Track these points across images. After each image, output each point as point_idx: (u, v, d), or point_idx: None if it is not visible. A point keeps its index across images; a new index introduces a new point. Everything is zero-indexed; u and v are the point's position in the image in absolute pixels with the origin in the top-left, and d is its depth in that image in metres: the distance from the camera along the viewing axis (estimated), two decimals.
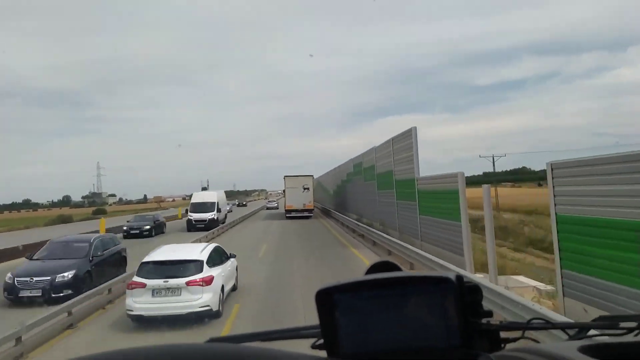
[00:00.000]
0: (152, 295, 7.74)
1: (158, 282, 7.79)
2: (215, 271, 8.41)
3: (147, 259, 8.43)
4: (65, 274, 10.16)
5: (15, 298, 9.87)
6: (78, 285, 10.06)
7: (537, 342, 0.89)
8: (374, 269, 1.10)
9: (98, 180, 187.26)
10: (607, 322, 0.88)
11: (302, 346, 0.89)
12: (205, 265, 8.26)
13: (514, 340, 0.93)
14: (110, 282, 9.81)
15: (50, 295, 9.73)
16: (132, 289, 7.88)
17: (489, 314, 0.89)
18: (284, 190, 36.59)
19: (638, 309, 5.19)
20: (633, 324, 0.83)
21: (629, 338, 0.82)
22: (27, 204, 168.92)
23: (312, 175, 36.94)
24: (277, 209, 49.86)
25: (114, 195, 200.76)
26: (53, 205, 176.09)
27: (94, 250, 11.35)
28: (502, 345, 0.90)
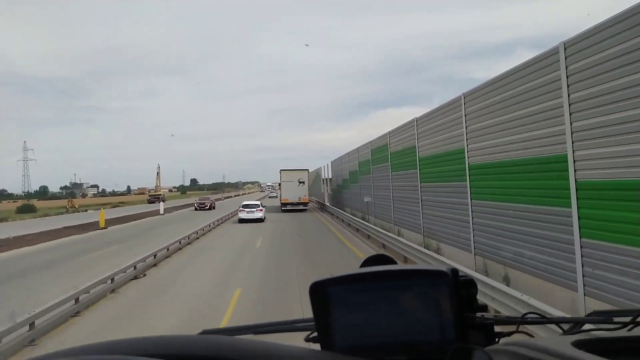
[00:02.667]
0: (246, 213, 27.60)
1: (248, 208, 27.93)
2: (262, 207, 28.50)
3: (243, 203, 29.19)
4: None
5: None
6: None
7: (532, 336, 0.90)
8: (368, 262, 1.10)
9: (25, 165, 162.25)
10: (601, 317, 0.88)
11: (296, 339, 0.89)
12: (260, 205, 28.83)
13: (509, 334, 0.94)
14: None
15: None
16: (240, 210, 28.14)
17: (484, 308, 0.90)
18: (279, 184, 37.86)
19: None
20: (627, 319, 0.84)
21: (623, 333, 0.82)
22: (1, 195, 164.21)
23: (307, 170, 37.82)
24: (277, 197, 57.33)
25: (96, 186, 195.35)
26: (29, 196, 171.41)
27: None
28: (497, 339, 0.91)
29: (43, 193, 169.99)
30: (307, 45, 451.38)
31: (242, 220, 26.96)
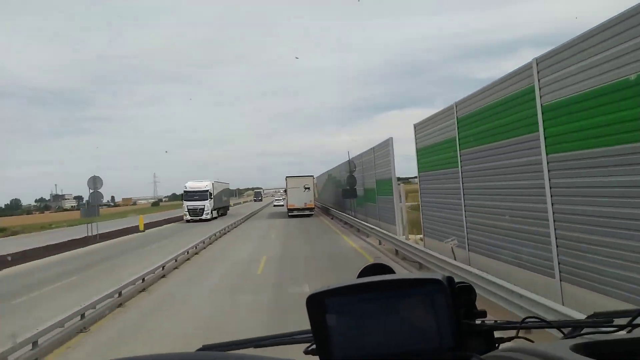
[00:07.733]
0: (276, 201, 62.45)
1: (277, 201, 61.93)
2: (284, 200, 45.01)
3: (274, 198, 69.41)
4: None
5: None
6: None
7: (532, 341, 0.90)
8: (365, 271, 1.10)
9: None
10: (601, 320, 0.89)
11: (296, 351, 0.90)
12: (282, 200, 50.46)
13: (509, 339, 0.96)
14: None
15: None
16: (274, 201, 65.71)
17: (483, 314, 0.92)
18: (285, 190, 39.43)
19: None
20: (626, 321, 0.85)
21: (622, 335, 0.82)
22: None
23: (312, 176, 39.24)
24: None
25: (80, 197, 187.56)
26: None
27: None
28: (497, 344, 0.92)
29: (15, 207, 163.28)
30: (297, 58, 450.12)
31: (275, 206, 56.20)
